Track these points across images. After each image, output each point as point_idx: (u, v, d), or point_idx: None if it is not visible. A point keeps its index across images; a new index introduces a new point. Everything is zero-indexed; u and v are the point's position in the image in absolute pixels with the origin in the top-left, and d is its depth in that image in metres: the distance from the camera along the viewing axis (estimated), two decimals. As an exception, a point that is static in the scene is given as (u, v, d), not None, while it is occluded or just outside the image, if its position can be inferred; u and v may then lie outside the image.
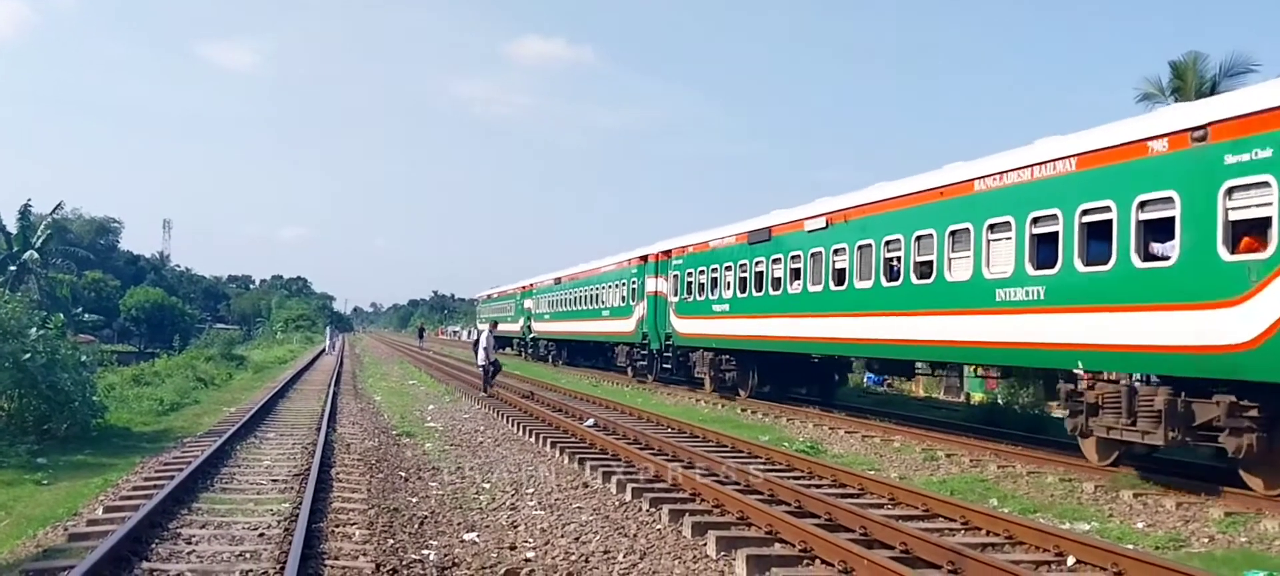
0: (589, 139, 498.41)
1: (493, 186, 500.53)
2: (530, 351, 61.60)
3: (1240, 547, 10.66)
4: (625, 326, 38.36)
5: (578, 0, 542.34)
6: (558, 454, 16.51)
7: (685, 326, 31.22)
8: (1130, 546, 10.14)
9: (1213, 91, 28.70)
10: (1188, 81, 31.97)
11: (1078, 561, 9.23)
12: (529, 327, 60.61)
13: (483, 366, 30.74)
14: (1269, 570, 9.51)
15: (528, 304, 61.63)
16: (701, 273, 29.88)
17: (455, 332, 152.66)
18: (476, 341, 34.07)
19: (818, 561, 9.21)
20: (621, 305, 39.08)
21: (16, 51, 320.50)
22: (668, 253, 33.12)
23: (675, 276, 32.08)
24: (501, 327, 59.90)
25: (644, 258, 35.85)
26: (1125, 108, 36.40)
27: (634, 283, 37.11)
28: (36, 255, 67.01)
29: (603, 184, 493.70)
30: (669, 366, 33.58)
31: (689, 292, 30.71)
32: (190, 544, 9.68)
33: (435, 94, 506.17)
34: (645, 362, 36.18)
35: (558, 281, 53.18)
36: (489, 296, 69.57)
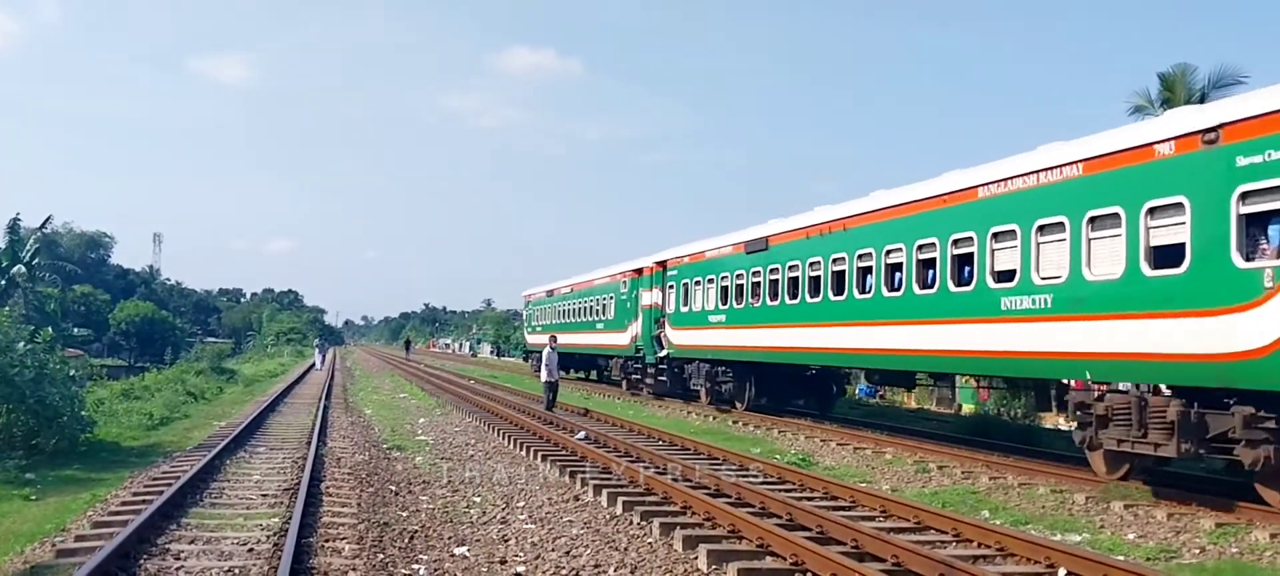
0: (578, 150, 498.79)
1: (483, 199, 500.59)
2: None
3: (1231, 558, 10.67)
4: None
5: (565, 13, 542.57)
6: (548, 467, 16.48)
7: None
8: (1121, 557, 10.13)
9: (1202, 102, 28.73)
10: (1177, 93, 31.98)
11: (1069, 573, 9.20)
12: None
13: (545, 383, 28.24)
14: (1259, 581, 9.56)
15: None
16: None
17: (447, 345, 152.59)
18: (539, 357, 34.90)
19: (809, 574, 9.18)
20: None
21: (2, 64, 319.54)
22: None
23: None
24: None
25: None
26: (1117, 119, 36.47)
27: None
28: (25, 269, 66.70)
29: (593, 195, 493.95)
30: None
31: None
32: (179, 559, 9.62)
33: (425, 107, 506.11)
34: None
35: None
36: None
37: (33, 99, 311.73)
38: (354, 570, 9.25)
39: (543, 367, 28.29)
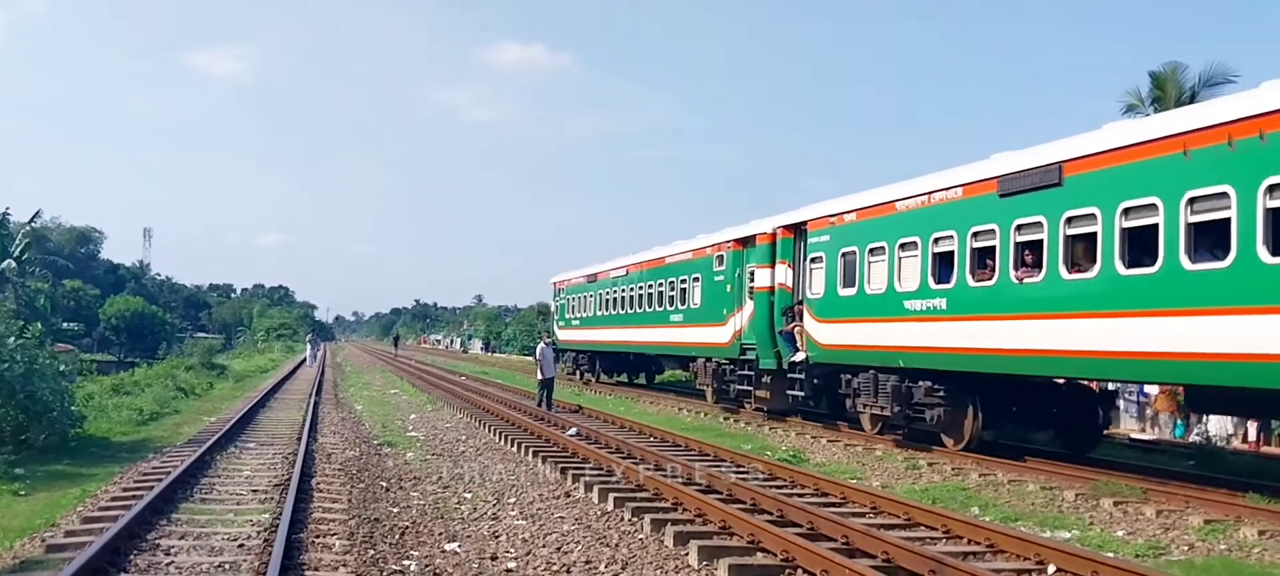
0: (572, 145, 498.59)
1: (475, 194, 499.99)
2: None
3: (1220, 555, 10.72)
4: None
5: (555, 7, 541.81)
6: (540, 463, 16.48)
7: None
8: (1110, 554, 10.17)
9: (1192, 101, 28.83)
10: (1168, 92, 32.16)
11: (1058, 569, 9.25)
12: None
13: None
14: (1248, 577, 9.57)
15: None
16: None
17: (438, 342, 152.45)
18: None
19: (800, 570, 9.21)
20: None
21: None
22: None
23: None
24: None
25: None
26: (1111, 115, 36.56)
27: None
28: (14, 264, 66.48)
29: (588, 190, 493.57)
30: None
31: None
32: (169, 555, 9.61)
33: (417, 101, 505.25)
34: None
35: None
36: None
37: (20, 91, 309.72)
38: (344, 566, 9.24)
39: (537, 365, 27.79)
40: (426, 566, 9.52)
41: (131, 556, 9.45)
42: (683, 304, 30.82)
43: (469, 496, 13.46)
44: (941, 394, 17.92)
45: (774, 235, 23.58)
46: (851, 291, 20.03)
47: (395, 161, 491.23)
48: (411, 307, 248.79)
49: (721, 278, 27.37)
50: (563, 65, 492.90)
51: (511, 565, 9.67)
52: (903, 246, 18.49)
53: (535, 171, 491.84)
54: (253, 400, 29.82)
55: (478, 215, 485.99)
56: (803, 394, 22.27)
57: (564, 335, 46.90)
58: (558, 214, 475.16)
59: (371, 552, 9.90)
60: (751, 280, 24.96)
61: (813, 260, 21.70)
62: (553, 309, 50.77)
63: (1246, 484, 14.15)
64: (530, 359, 50.52)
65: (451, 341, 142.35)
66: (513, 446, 18.88)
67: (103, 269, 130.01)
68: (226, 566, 9.21)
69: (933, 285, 17.65)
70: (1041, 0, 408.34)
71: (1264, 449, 21.29)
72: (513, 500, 13.19)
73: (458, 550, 10.24)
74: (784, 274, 22.94)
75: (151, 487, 12.84)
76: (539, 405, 26.58)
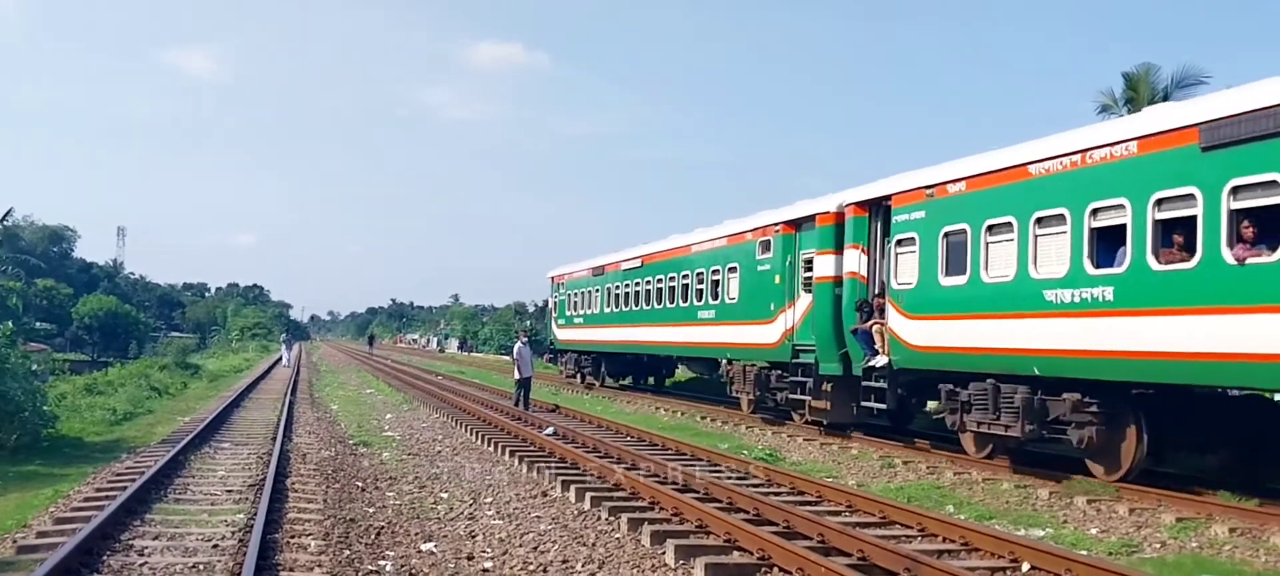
0: (550, 144, 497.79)
1: (453, 193, 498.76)
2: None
3: (1191, 553, 10.80)
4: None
5: (531, 7, 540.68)
6: (516, 463, 16.47)
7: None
8: (1084, 552, 10.24)
9: (1166, 99, 29.07)
10: (1141, 93, 32.35)
11: (1032, 567, 9.31)
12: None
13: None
14: (1218, 575, 9.65)
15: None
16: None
17: (414, 341, 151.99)
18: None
19: (775, 569, 9.24)
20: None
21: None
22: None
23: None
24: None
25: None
26: (1086, 117, 36.80)
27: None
28: (-14, 263, 65.89)
29: (568, 190, 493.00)
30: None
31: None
32: (142, 555, 9.55)
33: (395, 100, 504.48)
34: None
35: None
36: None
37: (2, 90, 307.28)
38: (320, 566, 9.21)
39: (514, 365, 27.51)
40: (402, 566, 9.49)
41: (104, 557, 9.38)
42: (714, 299, 26.64)
43: (445, 496, 13.44)
44: (1094, 410, 13.97)
45: (839, 215, 19.61)
46: (959, 280, 16.04)
47: (372, 161, 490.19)
48: (388, 307, 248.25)
49: (767, 267, 23.12)
50: (540, 64, 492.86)
51: (488, 565, 9.65)
52: (1040, 221, 14.50)
53: (514, 171, 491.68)
54: (227, 400, 29.65)
55: (455, 214, 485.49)
56: (884, 405, 18.37)
57: (564, 334, 42.33)
58: (538, 213, 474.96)
59: (347, 553, 9.87)
60: (808, 269, 21.02)
61: (900, 243, 17.58)
62: (550, 305, 45.90)
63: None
64: (507, 358, 50.20)
65: (428, 341, 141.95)
66: (489, 446, 18.85)
67: (76, 268, 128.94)
68: (200, 567, 9.15)
69: (1090, 270, 13.58)
70: (1025, 2, 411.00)
71: None
72: (489, 500, 13.17)
73: (434, 550, 10.22)
74: (855, 261, 18.95)
75: (125, 488, 12.75)
76: (516, 404, 26.54)
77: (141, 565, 9.19)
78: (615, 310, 35.53)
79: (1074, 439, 14.25)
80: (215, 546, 9.99)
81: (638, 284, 33.33)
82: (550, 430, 20.59)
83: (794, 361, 21.56)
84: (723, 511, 11.39)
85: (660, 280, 31.13)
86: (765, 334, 22.97)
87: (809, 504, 12.57)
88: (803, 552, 9.20)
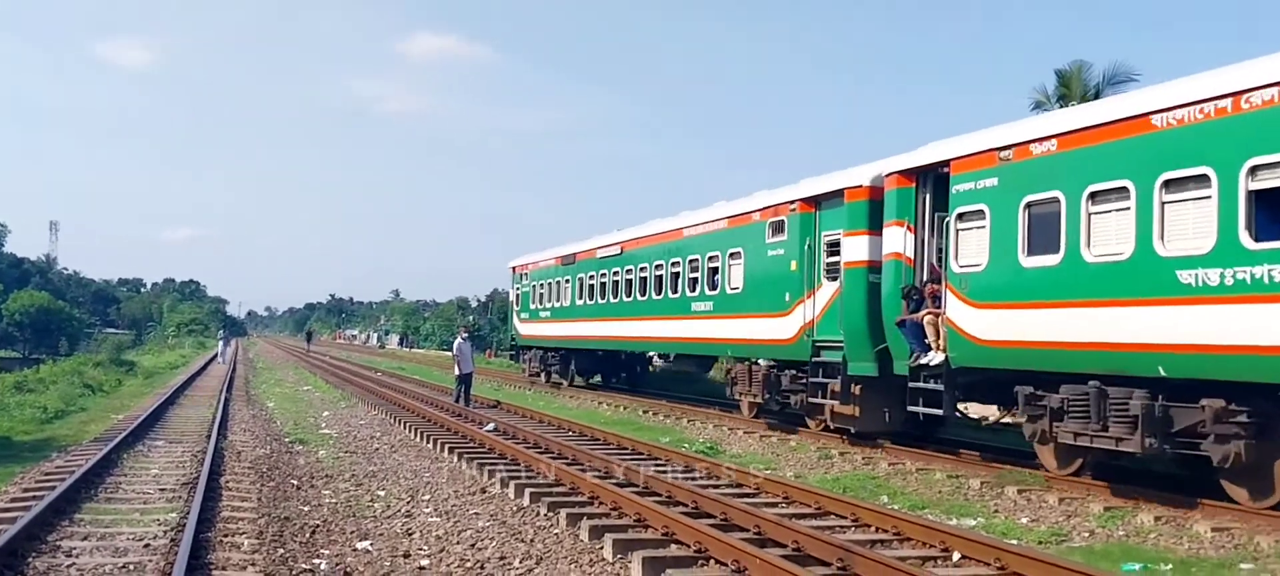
0: (494, 136, 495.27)
1: (394, 186, 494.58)
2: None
3: (1119, 541, 11.04)
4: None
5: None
6: (455, 460, 16.40)
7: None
8: (1014, 541, 10.43)
9: (1097, 98, 29.64)
10: (1073, 89, 33.06)
11: (963, 556, 9.48)
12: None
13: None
14: (1145, 563, 9.88)
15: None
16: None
17: (353, 337, 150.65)
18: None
19: (712, 561, 9.30)
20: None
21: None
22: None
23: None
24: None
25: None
26: (1021, 112, 37.26)
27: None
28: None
29: (510, 183, 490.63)
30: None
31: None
32: (70, 556, 9.39)
33: (333, 92, 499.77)
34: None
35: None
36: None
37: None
38: (253, 565, 9.12)
39: (455, 361, 27.32)
40: (337, 565, 9.43)
41: (30, 559, 9.21)
42: (712, 288, 23.52)
43: (382, 494, 13.35)
44: (1244, 419, 11.27)
45: (874, 188, 17.13)
46: (1048, 260, 13.13)
47: (309, 154, 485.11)
48: (327, 302, 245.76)
49: (780, 251, 20.17)
50: (480, 56, 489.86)
51: (424, 562, 9.61)
52: (1170, 185, 11.71)
53: (456, 164, 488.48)
54: (162, 397, 29.20)
55: (396, 208, 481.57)
56: (939, 411, 15.19)
57: (529, 329, 39.05)
58: (481, 207, 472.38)
59: (281, 551, 9.78)
60: (832, 254, 18.43)
61: (962, 217, 14.72)
62: (511, 298, 42.51)
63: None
64: (449, 354, 49.66)
65: (368, 337, 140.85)
66: (429, 443, 18.75)
67: (6, 263, 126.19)
68: (131, 567, 9.02)
69: (1249, 243, 10.75)
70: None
71: None
72: (427, 497, 13.10)
73: (370, 548, 10.15)
74: (899, 240, 16.11)
75: (54, 487, 12.53)
76: (457, 401, 26.42)
77: (69, 566, 9.04)
78: (589, 302, 32.27)
79: (1218, 457, 11.40)
80: (146, 546, 9.85)
81: (616, 273, 30.04)
82: (491, 426, 20.52)
83: (814, 360, 18.78)
84: (662, 505, 11.44)
85: (644, 268, 27.88)
86: (778, 328, 20.11)
87: (747, 496, 12.66)
88: (739, 544, 9.27)
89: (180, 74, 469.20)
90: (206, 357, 64.15)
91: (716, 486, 13.44)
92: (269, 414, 25.41)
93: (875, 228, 17.01)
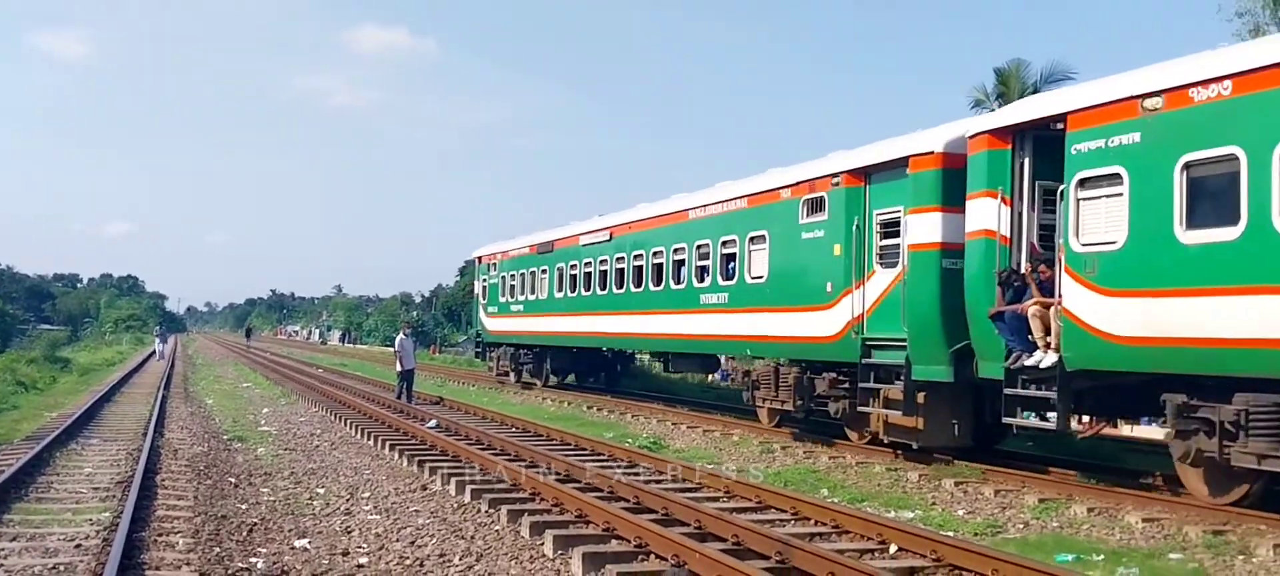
0: (437, 132, 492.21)
1: (338, 181, 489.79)
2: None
3: (1052, 532, 11.25)
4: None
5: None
6: (396, 456, 16.30)
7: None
8: (950, 533, 10.58)
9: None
10: (1012, 87, 33.57)
11: (900, 548, 9.60)
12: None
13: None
14: (1077, 553, 10.06)
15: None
16: None
17: (294, 333, 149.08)
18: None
19: (652, 556, 9.33)
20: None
21: None
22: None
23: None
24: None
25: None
26: (960, 112, 37.70)
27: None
28: None
29: (456, 178, 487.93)
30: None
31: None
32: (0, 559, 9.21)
33: (276, 86, 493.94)
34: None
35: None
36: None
37: None
38: (187, 565, 8.99)
39: (397, 357, 27.07)
40: (274, 564, 9.32)
41: (-43, 561, 9.03)
42: (727, 278, 20.44)
43: (321, 491, 13.23)
44: None
45: (949, 156, 14.47)
46: (1221, 233, 10.57)
47: (251, 147, 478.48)
48: (268, 298, 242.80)
49: (818, 234, 17.25)
50: (427, 50, 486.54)
51: (363, 560, 9.54)
52: None
53: (400, 159, 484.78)
54: (98, 394, 28.70)
55: (339, 203, 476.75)
56: (1049, 424, 12.88)
57: (497, 325, 35.97)
58: (425, 202, 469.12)
59: (217, 550, 9.66)
60: (888, 235, 15.74)
61: (1085, 184, 12.14)
62: (477, 291, 39.11)
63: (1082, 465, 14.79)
64: (391, 350, 49.20)
65: (309, 333, 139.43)
66: (369, 440, 18.61)
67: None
68: (62, 568, 8.86)
69: None
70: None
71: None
72: (367, 494, 13.00)
73: (308, 546, 10.05)
74: (989, 215, 13.37)
75: (-18, 488, 12.27)
76: (398, 397, 26.25)
77: (-2, 568, 8.88)
78: (571, 295, 29.10)
79: None
80: (78, 546, 9.67)
81: (604, 262, 26.84)
82: (433, 422, 20.41)
83: (864, 362, 15.93)
84: (603, 500, 11.45)
85: (639, 257, 24.76)
86: (816, 324, 17.10)
87: (689, 491, 12.71)
88: (679, 539, 9.31)
89: (119, 66, 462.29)
90: (145, 354, 63.11)
91: (659, 481, 13.47)
92: (208, 411, 25.07)
93: (951, 202, 14.31)
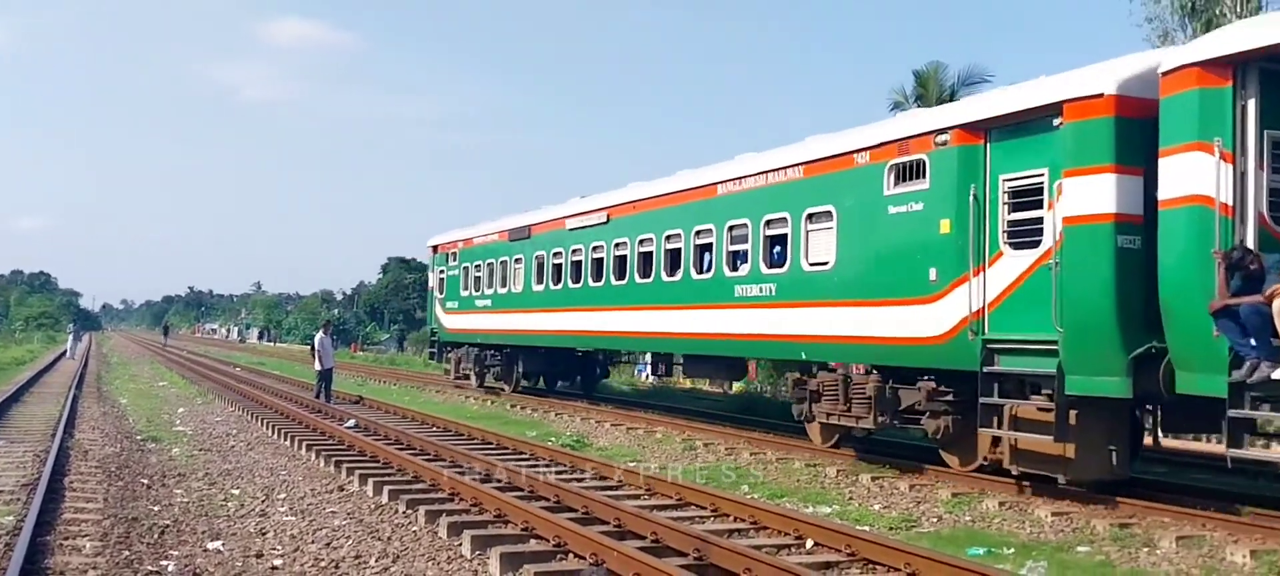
0: (358, 126, 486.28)
1: (256, 176, 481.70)
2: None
3: (965, 526, 11.48)
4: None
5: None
6: (313, 457, 16.09)
7: None
8: (866, 528, 10.75)
9: (953, 98, 30.60)
10: (930, 89, 34.09)
11: (816, 544, 9.73)
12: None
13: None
14: (989, 546, 10.28)
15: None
16: None
17: (213, 331, 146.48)
18: None
19: (571, 555, 9.34)
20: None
21: None
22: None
23: None
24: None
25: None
26: (880, 114, 38.23)
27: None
28: None
29: (379, 173, 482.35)
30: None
31: None
32: (-106, 565, 8.92)
33: (194, 77, 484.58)
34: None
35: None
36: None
37: None
38: (95, 568, 8.80)
39: (315, 356, 26.47)
40: (186, 566, 9.15)
41: None
42: (773, 265, 16.72)
43: (236, 492, 13.00)
44: None
45: (1124, 100, 11.25)
46: None
47: (170, 141, 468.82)
48: (185, 295, 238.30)
49: (915, 207, 13.73)
50: (348, 44, 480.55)
51: (277, 562, 9.40)
52: None
53: (319, 154, 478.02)
54: (4, 394, 27.83)
55: (258, 199, 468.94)
56: None
57: (457, 321, 31.85)
58: (346, 198, 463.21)
59: (126, 553, 9.45)
60: (1019, 207, 12.40)
61: None
62: (433, 284, 34.73)
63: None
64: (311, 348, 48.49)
65: (228, 330, 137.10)
66: (286, 440, 18.33)
67: None
68: (-40, 575, 8.62)
69: None
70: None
71: None
72: (283, 495, 12.82)
73: (221, 548, 9.88)
74: (1203, 176, 10.12)
75: (-121, 493, 11.87)
76: (317, 397, 25.90)
77: (-107, 575, 8.60)
78: (553, 288, 24.85)
79: None
80: (-21, 552, 9.42)
81: (598, 249, 22.66)
82: (351, 422, 20.17)
83: (987, 370, 12.52)
84: (523, 500, 11.42)
85: (645, 242, 20.70)
86: (912, 321, 13.63)
87: (609, 489, 12.74)
88: (597, 537, 9.33)
89: (35, 55, 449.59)
90: (57, 353, 61.46)
91: (579, 480, 13.48)
92: (121, 410, 24.50)
93: (1127, 161, 11.16)
